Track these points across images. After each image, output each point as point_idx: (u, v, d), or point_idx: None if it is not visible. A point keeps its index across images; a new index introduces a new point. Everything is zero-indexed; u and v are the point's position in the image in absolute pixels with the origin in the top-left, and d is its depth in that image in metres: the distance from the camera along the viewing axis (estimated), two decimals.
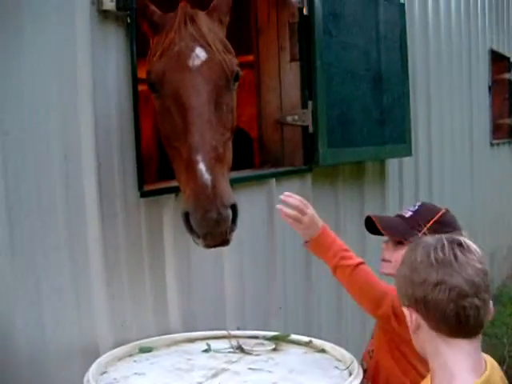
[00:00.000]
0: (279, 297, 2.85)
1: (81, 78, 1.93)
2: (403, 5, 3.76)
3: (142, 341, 2.08)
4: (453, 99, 5.28)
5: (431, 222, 1.99)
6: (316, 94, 2.95)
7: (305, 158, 3.03)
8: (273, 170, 2.95)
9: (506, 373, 4.74)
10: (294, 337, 2.13)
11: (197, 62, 1.78)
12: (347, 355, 1.88)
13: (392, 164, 4.00)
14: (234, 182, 2.50)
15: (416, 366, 1.94)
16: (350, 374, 1.74)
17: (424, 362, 1.94)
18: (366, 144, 3.35)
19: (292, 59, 3.00)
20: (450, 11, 5.23)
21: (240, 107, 3.47)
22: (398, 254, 1.98)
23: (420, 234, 1.94)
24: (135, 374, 1.81)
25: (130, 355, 2.00)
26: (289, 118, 3.02)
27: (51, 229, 1.87)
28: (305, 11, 2.93)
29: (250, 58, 3.23)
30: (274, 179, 2.80)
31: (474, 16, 6.00)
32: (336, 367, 1.84)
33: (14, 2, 1.75)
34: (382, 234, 2.12)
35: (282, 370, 1.81)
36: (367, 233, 3.63)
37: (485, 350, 4.76)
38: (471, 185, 5.82)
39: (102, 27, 1.97)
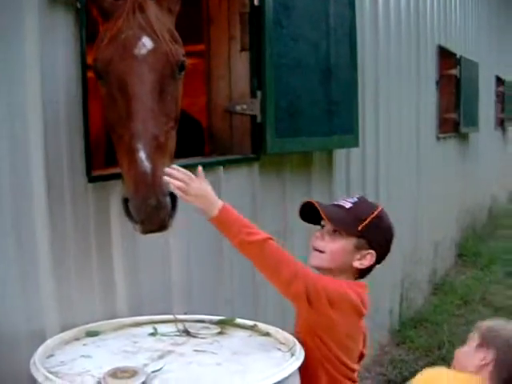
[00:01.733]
0: (227, 285, 2.91)
1: (29, 64, 1.92)
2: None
3: (89, 325, 2.10)
4: (401, 93, 5.43)
5: (373, 215, 2.03)
6: (265, 83, 3.00)
7: (253, 147, 3.08)
8: (220, 157, 2.99)
9: (444, 357, 4.94)
10: (239, 321, 2.18)
11: (143, 51, 1.80)
12: (290, 338, 1.95)
13: (340, 155, 4.09)
14: None
15: (338, 354, 1.97)
16: (292, 356, 1.81)
17: (347, 351, 2.01)
18: (314, 134, 3.43)
19: (242, 49, 3.04)
20: (399, 7, 5.36)
21: (193, 96, 3.52)
22: (334, 245, 2.01)
23: (362, 227, 2.01)
24: (82, 356, 1.83)
25: (77, 339, 2.01)
26: (238, 107, 3.06)
27: None
28: (256, 2, 2.97)
29: (203, 47, 3.26)
30: (222, 167, 2.84)
31: (423, 12, 6.16)
32: (279, 349, 1.91)
33: None
34: (315, 223, 2.10)
35: (226, 352, 1.87)
36: None
37: (426, 336, 4.96)
38: (417, 177, 6.00)
39: (50, 12, 1.96)
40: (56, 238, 2.04)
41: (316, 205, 2.03)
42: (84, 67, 2.07)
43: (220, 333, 2.09)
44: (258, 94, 3.03)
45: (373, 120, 4.75)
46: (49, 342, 1.91)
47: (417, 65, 5.91)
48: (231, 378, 1.66)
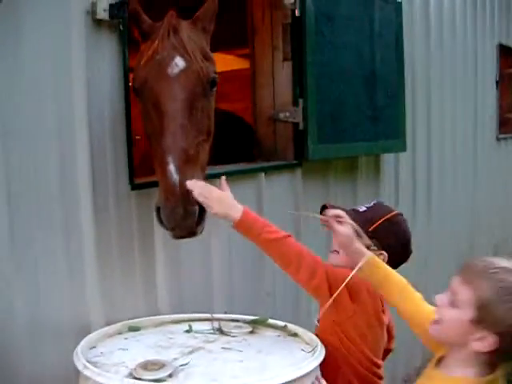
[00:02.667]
0: (268, 284, 3.03)
1: (76, 81, 2.12)
2: (400, 3, 3.87)
3: (131, 321, 2.28)
4: (456, 94, 5.36)
5: (384, 218, 2.13)
6: (306, 92, 3.10)
7: (296, 154, 3.19)
8: (262, 164, 3.12)
9: None
10: (271, 321, 2.30)
11: (175, 70, 1.96)
12: (315, 339, 2.05)
13: (388, 159, 4.13)
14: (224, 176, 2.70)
15: (361, 348, 2.05)
16: (312, 356, 1.91)
17: (371, 345, 2.07)
18: (358, 140, 3.50)
19: (285, 58, 3.16)
20: (454, 5, 5.29)
21: (246, 101, 3.62)
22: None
23: (372, 228, 2.09)
24: (120, 349, 2.01)
25: (120, 333, 2.20)
26: (281, 115, 3.18)
27: (48, 218, 2.07)
28: (297, 13, 3.08)
29: None
30: (264, 173, 2.97)
31: (481, 9, 6.03)
32: (302, 350, 2.01)
33: (14, 13, 1.93)
34: None
35: (251, 350, 1.99)
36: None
37: None
38: (475, 179, 5.91)
39: (96, 35, 2.15)
40: (101, 240, 2.22)
41: (328, 207, 2.14)
42: (127, 83, 2.24)
43: (251, 332, 2.22)
44: (300, 102, 3.13)
45: (424, 123, 4.73)
46: (92, 334, 2.09)
47: (474, 64, 5.81)
48: (248, 374, 1.78)
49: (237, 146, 3.48)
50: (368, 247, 2.07)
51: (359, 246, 1.95)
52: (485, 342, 1.60)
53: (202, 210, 1.96)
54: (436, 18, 4.90)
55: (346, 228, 1.96)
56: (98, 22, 2.15)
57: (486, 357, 1.64)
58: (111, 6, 2.13)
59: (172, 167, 1.88)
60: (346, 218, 2.02)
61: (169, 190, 1.88)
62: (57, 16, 2.06)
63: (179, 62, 1.96)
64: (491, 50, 6.35)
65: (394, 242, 2.13)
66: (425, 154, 4.77)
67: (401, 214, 2.20)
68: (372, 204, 2.22)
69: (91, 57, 2.14)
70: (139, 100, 2.05)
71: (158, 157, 1.94)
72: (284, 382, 1.71)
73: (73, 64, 2.11)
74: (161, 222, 1.95)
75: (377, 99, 3.63)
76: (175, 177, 1.88)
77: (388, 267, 1.96)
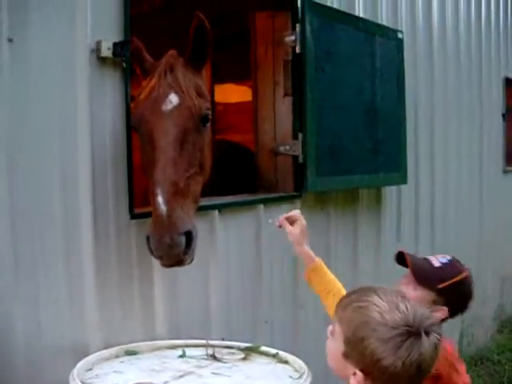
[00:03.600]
0: (265, 312, 3.09)
1: (80, 114, 2.24)
2: (401, 40, 3.99)
3: (129, 345, 2.36)
4: (461, 127, 5.42)
5: (455, 279, 2.20)
6: (306, 126, 3.21)
7: (295, 186, 3.28)
8: (261, 195, 3.21)
9: None
10: (263, 348, 2.37)
11: (168, 107, 2.09)
12: (304, 366, 2.11)
13: (389, 192, 4.19)
14: (223, 207, 2.80)
15: None
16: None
17: None
18: (358, 172, 3.58)
19: (285, 94, 3.27)
20: (457, 39, 5.38)
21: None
22: (414, 293, 2.18)
23: (442, 287, 2.17)
24: (114, 371, 2.09)
25: (117, 356, 2.28)
26: (281, 148, 3.29)
27: (50, 245, 2.18)
28: (297, 50, 3.20)
29: None
30: (263, 205, 3.06)
31: (487, 42, 6.11)
32: (290, 376, 2.08)
33: (24, 51, 2.07)
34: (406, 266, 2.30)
35: (240, 376, 2.06)
36: (359, 258, 3.87)
37: (486, 376, 4.79)
38: (481, 212, 5.93)
39: (100, 72, 2.28)
40: (101, 266, 2.32)
41: (407, 257, 2.26)
42: (128, 116, 2.36)
43: (244, 358, 2.28)
44: (300, 135, 3.24)
45: (428, 156, 4.80)
46: (90, 357, 2.18)
47: (479, 97, 5.88)
48: None
49: (241, 176, 3.58)
50: (434, 302, 2.16)
51: (307, 249, 2.31)
52: (356, 377, 1.49)
53: (190, 240, 2.05)
54: (440, 52, 5.00)
55: (295, 229, 2.32)
56: (103, 60, 2.27)
57: None
58: (115, 44, 2.26)
59: (160, 198, 1.99)
60: (300, 218, 2.33)
61: (157, 220, 1.99)
62: (63, 54, 2.19)
63: (173, 99, 2.09)
64: (497, 84, 6.42)
65: (458, 301, 2.21)
66: (428, 186, 4.83)
67: (470, 275, 2.27)
68: (446, 261, 2.27)
69: (95, 92, 2.27)
70: (137, 134, 2.16)
71: (150, 188, 2.06)
72: None
73: (78, 99, 2.24)
74: (150, 251, 2.05)
75: (377, 133, 3.72)
76: (163, 207, 1.99)
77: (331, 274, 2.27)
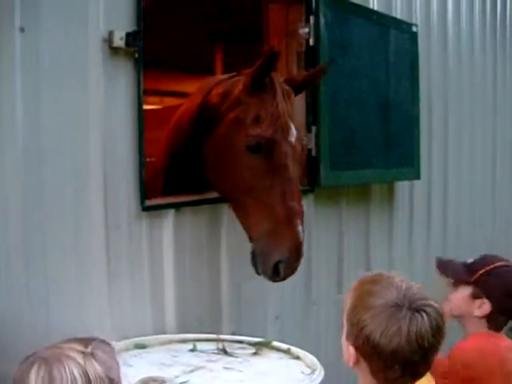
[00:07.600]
0: (276, 306, 3.07)
1: (92, 105, 2.22)
2: (415, 33, 3.93)
3: (138, 338, 2.34)
4: (474, 123, 5.34)
5: (489, 267, 2.20)
6: (319, 119, 3.17)
7: (309, 180, 3.24)
8: None
9: None
10: (275, 343, 2.34)
11: (292, 139, 2.29)
12: (316, 362, 2.09)
13: (402, 187, 4.14)
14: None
15: None
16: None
17: None
18: (371, 167, 3.53)
19: None
20: (472, 33, 5.31)
21: None
22: (456, 294, 2.24)
23: (475, 277, 2.18)
24: (124, 365, 2.05)
25: (127, 350, 2.26)
26: None
27: (61, 236, 2.16)
28: (311, 42, 3.16)
29: None
30: None
31: (501, 37, 6.04)
32: (302, 372, 2.05)
33: (35, 42, 2.05)
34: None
35: (251, 371, 2.04)
36: (372, 254, 3.83)
37: None
38: (493, 208, 5.85)
39: (112, 62, 2.25)
40: (112, 258, 2.30)
41: (436, 260, 2.33)
42: (140, 107, 2.33)
43: (255, 353, 2.26)
44: (313, 128, 3.19)
45: (441, 152, 4.74)
46: None
47: (493, 91, 5.80)
48: None
49: None
50: (474, 297, 2.18)
51: None
52: (350, 350, 1.52)
53: None
54: (454, 46, 4.93)
55: None
56: (115, 50, 2.24)
57: None
58: (127, 34, 2.23)
59: (300, 228, 2.15)
60: None
61: (295, 247, 2.15)
62: (75, 44, 2.17)
63: (295, 132, 2.31)
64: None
65: (497, 290, 2.19)
66: (441, 181, 4.77)
67: (506, 266, 2.25)
68: (481, 256, 2.30)
69: (107, 82, 2.24)
70: (254, 154, 2.24)
71: (276, 212, 2.17)
72: None
73: (90, 89, 2.21)
74: (255, 266, 2.26)
75: (390, 127, 3.67)
76: (301, 236, 2.15)
77: None
